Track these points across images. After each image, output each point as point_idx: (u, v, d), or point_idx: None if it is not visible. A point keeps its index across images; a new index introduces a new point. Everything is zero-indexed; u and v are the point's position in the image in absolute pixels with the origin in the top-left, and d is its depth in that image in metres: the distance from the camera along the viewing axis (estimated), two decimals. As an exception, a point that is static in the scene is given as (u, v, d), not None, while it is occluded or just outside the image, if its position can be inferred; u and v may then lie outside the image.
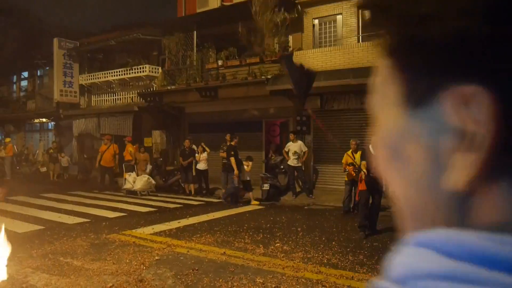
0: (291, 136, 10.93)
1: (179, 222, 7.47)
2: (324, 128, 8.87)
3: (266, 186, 10.67)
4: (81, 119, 16.86)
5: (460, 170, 0.28)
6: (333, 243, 5.95)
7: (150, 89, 14.67)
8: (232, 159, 9.89)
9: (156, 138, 15.06)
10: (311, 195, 10.72)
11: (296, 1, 12.06)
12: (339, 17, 11.83)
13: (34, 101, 20.26)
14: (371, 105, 0.37)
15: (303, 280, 4.22)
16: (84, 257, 5.07)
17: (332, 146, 11.12)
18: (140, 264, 4.76)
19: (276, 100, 11.53)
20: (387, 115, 0.34)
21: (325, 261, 4.98)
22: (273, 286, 4.11)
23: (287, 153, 10.81)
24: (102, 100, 17.11)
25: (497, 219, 0.27)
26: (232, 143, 10.23)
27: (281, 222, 7.62)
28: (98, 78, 16.55)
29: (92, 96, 17.47)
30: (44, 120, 20.55)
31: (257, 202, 10.12)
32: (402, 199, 0.34)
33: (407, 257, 0.28)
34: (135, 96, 15.51)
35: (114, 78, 15.90)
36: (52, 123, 20.07)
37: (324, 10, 11.94)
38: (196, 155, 11.70)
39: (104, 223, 7.42)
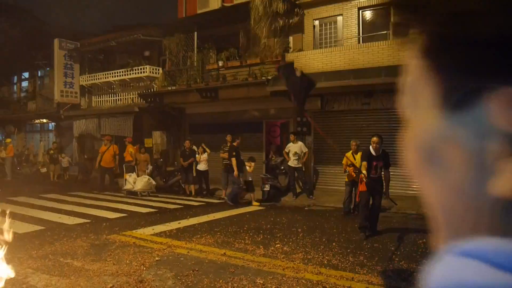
0: (292, 137, 10.93)
1: (179, 223, 7.47)
2: (323, 134, 8.84)
3: (266, 187, 10.68)
4: (81, 120, 16.87)
5: (509, 176, 0.26)
6: (334, 244, 5.94)
7: (151, 90, 14.68)
8: (233, 160, 9.88)
9: (157, 139, 15.07)
10: (311, 196, 10.71)
11: (297, 2, 12.07)
12: (339, 18, 11.83)
13: (35, 102, 20.28)
14: (401, 106, 0.36)
15: (303, 281, 4.22)
16: (84, 258, 5.06)
17: (332, 147, 11.11)
18: (140, 264, 4.76)
19: (277, 101, 11.54)
20: (421, 117, 0.32)
21: (326, 262, 4.98)
22: (273, 287, 4.11)
23: (288, 154, 10.81)
24: (102, 100, 17.12)
25: None
26: (235, 143, 10.23)
27: (281, 223, 7.61)
28: (98, 78, 16.57)
29: (93, 96, 17.49)
30: (44, 120, 20.58)
31: (257, 203, 10.13)
32: (438, 205, 0.32)
33: (450, 268, 0.26)
34: (135, 97, 15.53)
35: (114, 78, 15.92)
36: (53, 123, 20.10)
37: (325, 11, 11.95)
38: (197, 156, 11.71)
39: (104, 224, 7.42)
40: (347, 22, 11.65)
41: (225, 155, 11.04)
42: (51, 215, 8.27)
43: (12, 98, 22.49)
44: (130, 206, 9.61)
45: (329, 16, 11.95)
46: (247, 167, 10.46)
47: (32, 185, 14.03)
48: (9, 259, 4.14)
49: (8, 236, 3.60)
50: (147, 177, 11.97)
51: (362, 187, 6.45)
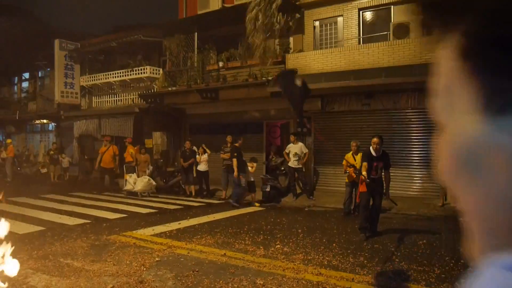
0: (292, 137, 10.94)
1: (179, 224, 7.47)
2: (321, 138, 8.85)
3: (266, 188, 10.68)
4: (82, 120, 16.88)
5: None
6: (334, 244, 5.94)
7: (151, 91, 14.68)
8: (234, 161, 9.87)
9: (157, 139, 15.08)
10: (311, 197, 10.71)
11: (297, 3, 12.07)
12: (340, 19, 11.84)
13: (35, 102, 20.29)
14: (433, 110, 0.34)
15: (303, 282, 4.22)
16: (85, 258, 5.06)
17: (332, 148, 11.12)
18: (141, 265, 4.76)
19: (277, 102, 11.53)
20: (459, 122, 0.30)
21: (326, 262, 4.97)
22: (274, 287, 4.11)
23: (288, 154, 10.82)
24: (103, 101, 17.13)
25: None
26: (237, 144, 10.22)
27: (281, 224, 7.61)
28: (99, 79, 16.58)
29: (93, 97, 17.50)
30: (45, 121, 20.59)
31: (258, 204, 10.13)
32: (477, 214, 0.30)
33: (495, 282, 0.24)
34: (136, 98, 15.54)
35: (115, 79, 15.92)
36: (53, 124, 20.11)
37: (325, 12, 11.96)
38: (197, 156, 11.71)
39: (104, 224, 7.42)
40: (348, 23, 11.65)
41: (225, 155, 11.05)
42: (52, 215, 8.27)
43: (12, 98, 22.51)
44: (130, 207, 9.61)
45: (329, 17, 11.96)
46: (249, 168, 10.46)
47: (32, 186, 14.04)
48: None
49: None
50: (148, 177, 11.97)
51: (362, 188, 6.44)
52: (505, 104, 0.27)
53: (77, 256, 5.17)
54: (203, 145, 11.85)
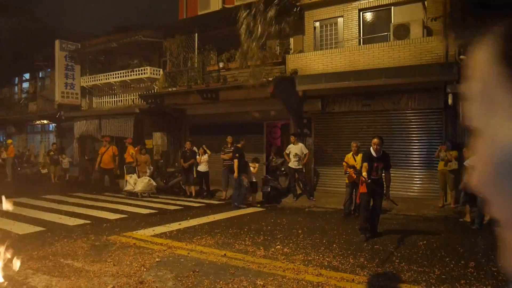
0: (292, 138, 10.94)
1: (179, 224, 7.47)
2: (319, 142, 8.82)
3: (267, 188, 10.68)
4: (82, 121, 16.88)
5: None
6: (334, 245, 5.94)
7: (151, 91, 14.69)
8: (236, 161, 9.85)
9: (157, 140, 15.09)
10: (311, 197, 10.71)
11: (297, 4, 12.08)
12: (340, 20, 11.84)
13: (36, 103, 20.31)
14: (468, 115, 0.32)
15: (303, 282, 4.22)
16: (85, 259, 5.07)
17: (333, 148, 11.12)
18: (141, 266, 4.76)
19: (277, 102, 11.54)
20: (498, 129, 0.28)
21: (326, 263, 4.97)
22: (274, 288, 4.11)
23: (288, 155, 10.82)
24: (103, 102, 17.14)
25: None
26: (239, 145, 10.21)
27: (281, 224, 7.61)
28: (99, 80, 16.59)
29: (94, 98, 17.51)
30: (45, 121, 20.60)
31: (258, 205, 10.13)
32: None
33: None
34: (136, 98, 15.55)
35: (115, 80, 15.94)
36: (53, 124, 20.12)
37: (325, 12, 11.96)
38: (197, 157, 11.73)
39: (104, 225, 7.42)
40: (348, 23, 11.66)
41: (226, 156, 11.06)
42: (52, 216, 8.28)
43: (13, 99, 22.52)
44: (131, 207, 9.61)
45: (329, 18, 11.96)
46: (252, 168, 10.46)
47: (32, 186, 14.05)
48: (9, 260, 4.15)
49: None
50: (148, 178, 11.98)
51: (362, 189, 6.44)
52: None
53: (78, 257, 5.17)
54: (204, 146, 11.87)
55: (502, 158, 0.28)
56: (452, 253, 5.48)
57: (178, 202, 10.59)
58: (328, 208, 9.75)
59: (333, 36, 12.03)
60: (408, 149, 10.46)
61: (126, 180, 12.25)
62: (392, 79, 9.67)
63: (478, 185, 0.31)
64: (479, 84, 0.30)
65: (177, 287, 4.11)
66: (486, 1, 0.29)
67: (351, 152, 8.76)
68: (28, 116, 20.59)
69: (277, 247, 5.78)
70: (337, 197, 10.13)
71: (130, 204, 10.11)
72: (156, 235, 6.55)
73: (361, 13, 11.58)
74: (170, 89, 13.99)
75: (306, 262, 5.00)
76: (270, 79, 11.49)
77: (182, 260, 5.08)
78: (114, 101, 16.71)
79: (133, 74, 15.19)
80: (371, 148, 6.34)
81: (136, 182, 11.86)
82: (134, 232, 6.77)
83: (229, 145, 11.22)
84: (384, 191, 6.51)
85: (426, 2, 10.58)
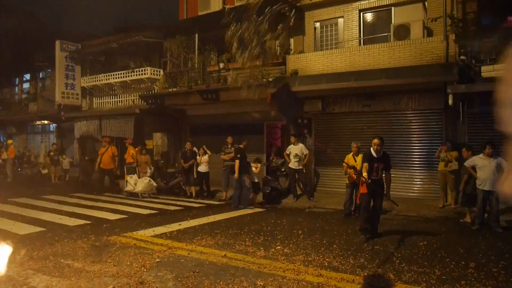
0: (292, 138, 10.94)
1: (180, 225, 7.47)
2: (323, 146, 8.80)
3: (267, 189, 10.68)
4: (82, 121, 16.89)
5: None
6: (334, 246, 5.94)
7: (152, 92, 14.70)
8: (237, 162, 9.84)
9: (157, 141, 15.09)
10: (312, 198, 10.71)
11: (298, 4, 12.09)
12: (340, 20, 11.85)
13: (36, 103, 20.32)
14: (503, 121, 0.31)
15: (304, 283, 4.22)
16: (85, 259, 5.07)
17: (333, 149, 11.11)
18: (141, 266, 4.76)
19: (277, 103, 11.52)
20: None
21: (326, 264, 4.97)
22: (274, 289, 4.10)
23: (288, 155, 10.82)
24: (103, 102, 17.16)
25: None
26: (241, 146, 10.20)
27: (282, 225, 7.61)
28: (100, 80, 16.60)
29: (94, 98, 17.53)
30: (45, 122, 20.61)
31: (258, 205, 10.12)
32: None
33: None
34: (136, 99, 15.56)
35: (115, 80, 15.95)
36: (54, 125, 20.13)
37: (326, 13, 11.97)
38: (197, 157, 11.73)
39: (105, 225, 7.42)
40: (348, 24, 11.67)
41: (226, 156, 11.06)
42: (52, 216, 8.28)
43: (13, 99, 22.54)
44: (131, 208, 9.61)
45: (330, 18, 11.97)
46: (254, 168, 10.46)
47: (33, 187, 14.06)
48: (10, 260, 4.14)
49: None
50: (148, 178, 11.99)
51: (363, 189, 6.44)
52: None
53: (78, 257, 5.17)
54: (204, 146, 11.87)
55: None
56: (453, 254, 5.47)
57: (178, 203, 10.59)
58: (329, 209, 9.75)
59: (334, 37, 12.05)
60: (409, 149, 10.45)
61: (127, 181, 12.26)
62: (393, 80, 9.67)
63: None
64: None
65: (177, 287, 4.11)
66: None
67: (352, 153, 8.76)
68: (28, 116, 20.61)
69: (277, 247, 5.78)
70: (337, 198, 10.13)
71: (131, 205, 10.11)
72: (156, 236, 6.55)
73: (361, 13, 11.58)
74: (170, 90, 14.00)
75: (306, 263, 5.00)
76: (270, 79, 11.50)
77: (182, 260, 5.08)
78: (115, 101, 16.72)
79: (134, 75, 15.21)
80: (372, 149, 6.34)
81: (137, 183, 11.86)
82: (135, 232, 6.77)
83: (229, 146, 11.23)
84: (385, 192, 6.50)
85: (426, 3, 10.58)
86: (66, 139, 18.90)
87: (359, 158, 7.93)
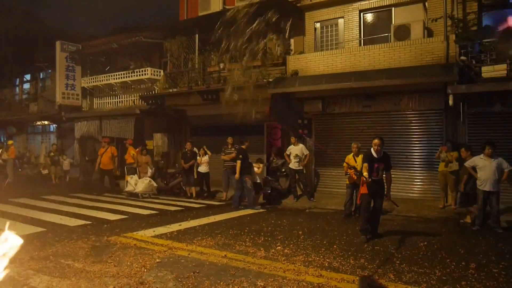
0: (293, 139, 10.95)
1: (180, 225, 7.47)
2: (323, 147, 8.79)
3: (267, 189, 10.68)
4: (83, 122, 16.90)
5: None
6: (334, 246, 5.93)
7: (152, 92, 14.71)
8: (238, 163, 9.83)
9: (158, 141, 15.10)
10: (312, 198, 10.71)
11: (298, 5, 12.10)
12: (340, 21, 11.86)
13: (37, 104, 20.33)
14: None
15: (304, 283, 4.21)
16: (85, 259, 5.07)
17: (333, 149, 11.12)
18: (141, 266, 4.76)
19: (278, 103, 11.52)
20: None
21: (326, 264, 4.97)
22: (274, 289, 4.10)
23: (289, 156, 10.83)
24: (104, 102, 17.17)
25: None
26: (243, 146, 10.19)
27: (282, 225, 7.61)
28: (100, 81, 16.62)
29: (94, 98, 17.54)
30: (46, 122, 20.62)
31: (259, 206, 10.12)
32: None
33: None
34: (137, 99, 15.56)
35: (116, 81, 15.96)
36: (54, 125, 20.14)
37: (326, 13, 11.98)
38: (198, 158, 11.73)
39: (105, 226, 7.42)
40: (348, 24, 11.68)
41: (226, 157, 11.06)
42: (52, 216, 8.28)
43: (14, 100, 22.56)
44: (131, 208, 9.61)
45: (330, 19, 11.98)
46: (256, 169, 10.46)
47: (33, 187, 14.07)
48: (10, 260, 4.14)
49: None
50: (148, 179, 11.99)
51: (363, 190, 6.43)
52: None
53: (78, 257, 5.17)
54: (204, 147, 11.88)
55: None
56: (453, 254, 5.47)
57: (178, 203, 10.59)
58: (329, 209, 9.74)
59: (334, 37, 12.06)
60: (409, 150, 10.45)
61: (127, 181, 12.27)
62: (393, 80, 9.67)
63: None
64: None
65: (178, 288, 4.11)
66: None
67: (352, 153, 8.76)
68: (29, 117, 20.62)
69: (277, 248, 5.78)
70: (338, 198, 10.13)
71: (131, 205, 10.12)
72: (156, 236, 6.55)
73: (361, 14, 11.60)
74: (170, 90, 14.01)
75: (307, 263, 5.00)
76: (271, 80, 11.51)
77: (182, 261, 5.08)
78: (115, 102, 16.73)
79: (134, 75, 15.22)
80: (372, 149, 6.34)
81: (137, 183, 11.87)
82: (135, 233, 6.77)
83: (229, 146, 11.23)
84: (385, 192, 6.50)
85: (426, 3, 10.59)
86: (67, 140, 18.90)
87: (360, 158, 7.93)
